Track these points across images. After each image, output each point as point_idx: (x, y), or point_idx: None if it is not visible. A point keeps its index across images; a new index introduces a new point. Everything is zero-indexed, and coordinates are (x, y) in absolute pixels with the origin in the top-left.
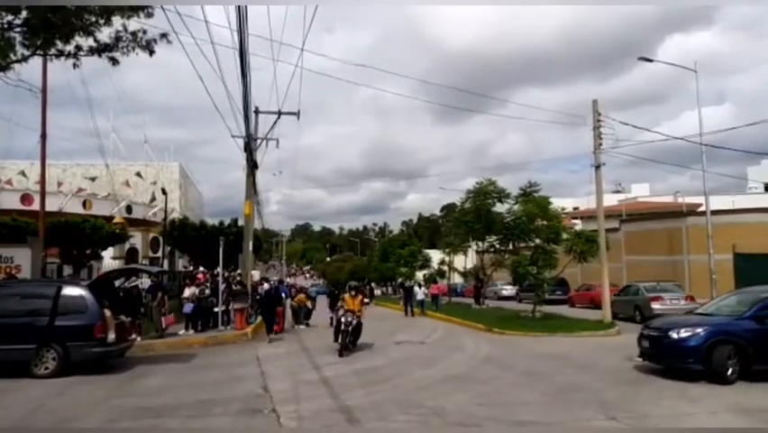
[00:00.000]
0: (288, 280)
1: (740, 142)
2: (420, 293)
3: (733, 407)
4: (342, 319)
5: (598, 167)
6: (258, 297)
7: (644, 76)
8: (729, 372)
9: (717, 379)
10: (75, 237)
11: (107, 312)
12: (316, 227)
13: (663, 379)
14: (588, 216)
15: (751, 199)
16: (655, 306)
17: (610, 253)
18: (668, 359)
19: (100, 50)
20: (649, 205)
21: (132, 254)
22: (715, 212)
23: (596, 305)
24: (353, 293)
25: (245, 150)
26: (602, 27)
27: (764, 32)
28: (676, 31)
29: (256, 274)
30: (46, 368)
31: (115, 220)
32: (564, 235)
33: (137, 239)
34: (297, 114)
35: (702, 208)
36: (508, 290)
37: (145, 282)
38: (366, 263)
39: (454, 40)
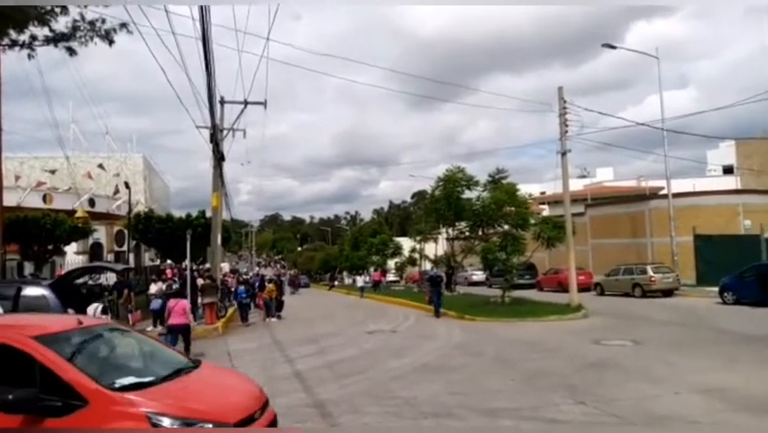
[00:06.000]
0: (258, 270)
1: (700, 127)
2: (360, 280)
3: (695, 387)
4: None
5: (564, 153)
6: (226, 289)
7: (610, 62)
8: None
9: None
10: (35, 233)
11: (71, 311)
12: (287, 217)
13: (626, 361)
14: (554, 202)
15: (710, 182)
16: (655, 283)
17: (576, 238)
18: None
19: (56, 39)
20: (613, 189)
21: (96, 249)
22: (676, 195)
23: (563, 288)
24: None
25: (211, 141)
26: (570, 14)
27: (722, 20)
28: (640, 18)
29: (226, 267)
30: None
31: (78, 214)
32: (532, 221)
33: (101, 233)
34: (264, 103)
35: (664, 192)
36: (478, 276)
37: (111, 279)
38: (337, 252)
39: (424, 27)
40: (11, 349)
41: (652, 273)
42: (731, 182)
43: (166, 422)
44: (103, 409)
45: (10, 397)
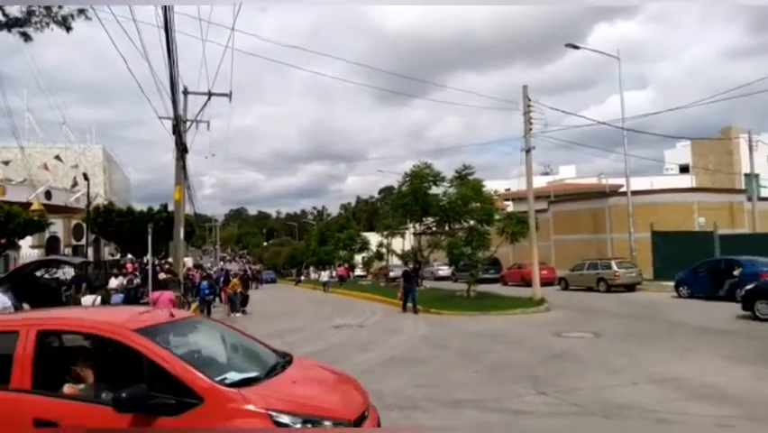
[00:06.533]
0: (223, 265)
1: (659, 127)
2: (325, 275)
3: (651, 377)
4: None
5: (528, 151)
6: (191, 284)
7: (574, 62)
8: None
9: None
10: None
11: (26, 306)
12: (252, 212)
13: (586, 353)
14: (519, 198)
15: (668, 180)
16: (619, 277)
17: (539, 233)
18: None
19: (10, 24)
20: (575, 186)
21: (52, 243)
22: (635, 193)
23: (527, 282)
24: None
25: (174, 132)
26: (535, 14)
27: (680, 23)
28: (603, 19)
29: (189, 261)
30: None
31: (33, 207)
32: (497, 217)
33: (58, 226)
34: (229, 95)
35: (624, 189)
36: (444, 271)
37: (68, 273)
38: (304, 247)
39: (390, 23)
40: (113, 343)
41: (616, 268)
42: (687, 181)
43: (286, 420)
44: (219, 407)
45: (123, 395)
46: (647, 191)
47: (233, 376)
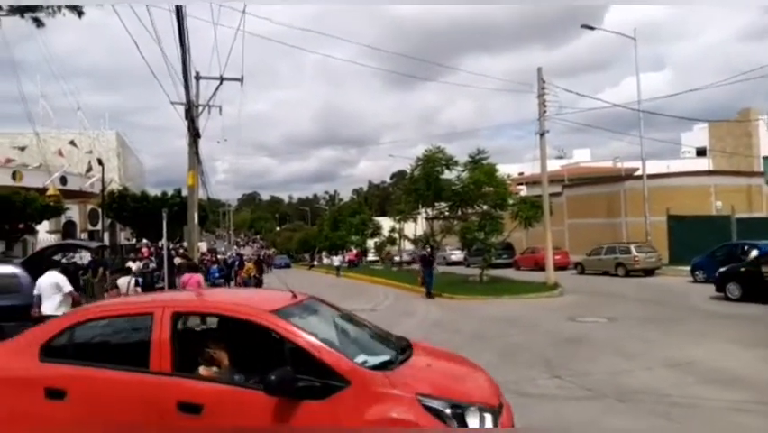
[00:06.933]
0: (236, 249)
1: (676, 109)
2: (337, 260)
3: (666, 362)
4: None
5: (542, 134)
6: (205, 269)
7: (589, 44)
8: None
9: None
10: (5, 211)
11: None
12: (265, 196)
13: (600, 337)
14: (532, 182)
15: (684, 164)
16: (639, 262)
17: (553, 218)
18: None
19: (22, 10)
20: (590, 170)
21: (69, 228)
22: (651, 176)
23: (540, 267)
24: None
25: (186, 118)
26: None
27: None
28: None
29: (203, 246)
30: None
31: (49, 192)
32: (510, 201)
33: (74, 211)
34: (241, 79)
35: (639, 173)
36: (457, 255)
37: (85, 258)
38: (317, 232)
39: (402, 5)
40: (252, 325)
41: (635, 253)
42: (704, 164)
43: (435, 404)
44: (366, 391)
45: (273, 378)
46: (663, 175)
47: (371, 359)
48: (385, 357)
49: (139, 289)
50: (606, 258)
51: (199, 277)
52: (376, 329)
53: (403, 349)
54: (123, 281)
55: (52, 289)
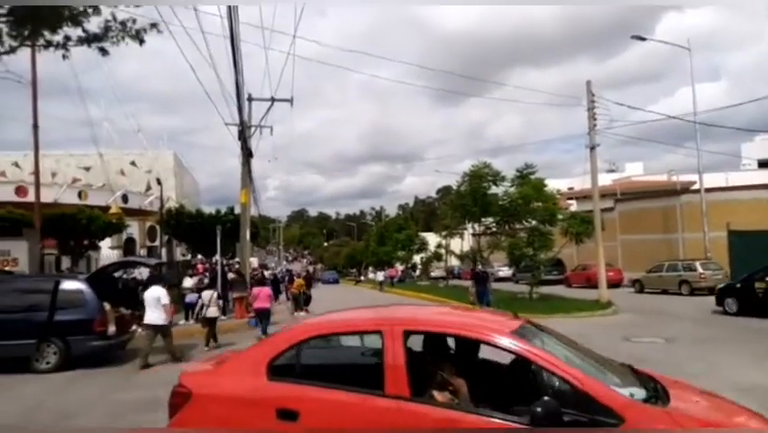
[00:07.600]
0: (286, 265)
1: (734, 120)
2: (380, 276)
3: (727, 385)
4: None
5: (592, 148)
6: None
7: (640, 55)
8: None
9: None
10: (71, 228)
11: (107, 305)
12: (313, 213)
13: (658, 358)
14: (583, 197)
15: (745, 176)
16: (705, 279)
17: (605, 233)
18: None
19: (89, 40)
20: (643, 183)
21: (129, 244)
22: (709, 190)
23: (592, 285)
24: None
25: (239, 138)
26: (597, 6)
27: (755, 10)
28: (671, 8)
29: (254, 261)
30: (47, 363)
31: (112, 210)
32: (560, 217)
33: (134, 228)
34: (291, 100)
35: (696, 186)
36: (504, 272)
37: (144, 273)
38: (363, 248)
39: (450, 22)
40: (493, 347)
41: (701, 270)
42: (767, 176)
43: None
44: (642, 429)
45: (539, 410)
46: (723, 188)
47: (634, 392)
48: (642, 391)
49: (221, 302)
50: (667, 275)
51: (268, 291)
52: (599, 356)
53: (648, 381)
54: (206, 294)
55: (155, 301)
